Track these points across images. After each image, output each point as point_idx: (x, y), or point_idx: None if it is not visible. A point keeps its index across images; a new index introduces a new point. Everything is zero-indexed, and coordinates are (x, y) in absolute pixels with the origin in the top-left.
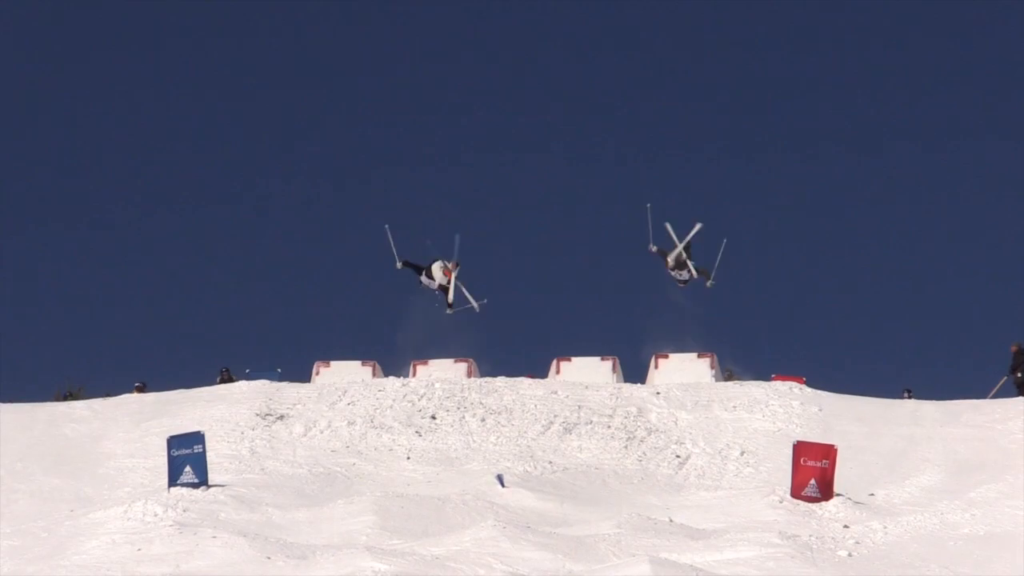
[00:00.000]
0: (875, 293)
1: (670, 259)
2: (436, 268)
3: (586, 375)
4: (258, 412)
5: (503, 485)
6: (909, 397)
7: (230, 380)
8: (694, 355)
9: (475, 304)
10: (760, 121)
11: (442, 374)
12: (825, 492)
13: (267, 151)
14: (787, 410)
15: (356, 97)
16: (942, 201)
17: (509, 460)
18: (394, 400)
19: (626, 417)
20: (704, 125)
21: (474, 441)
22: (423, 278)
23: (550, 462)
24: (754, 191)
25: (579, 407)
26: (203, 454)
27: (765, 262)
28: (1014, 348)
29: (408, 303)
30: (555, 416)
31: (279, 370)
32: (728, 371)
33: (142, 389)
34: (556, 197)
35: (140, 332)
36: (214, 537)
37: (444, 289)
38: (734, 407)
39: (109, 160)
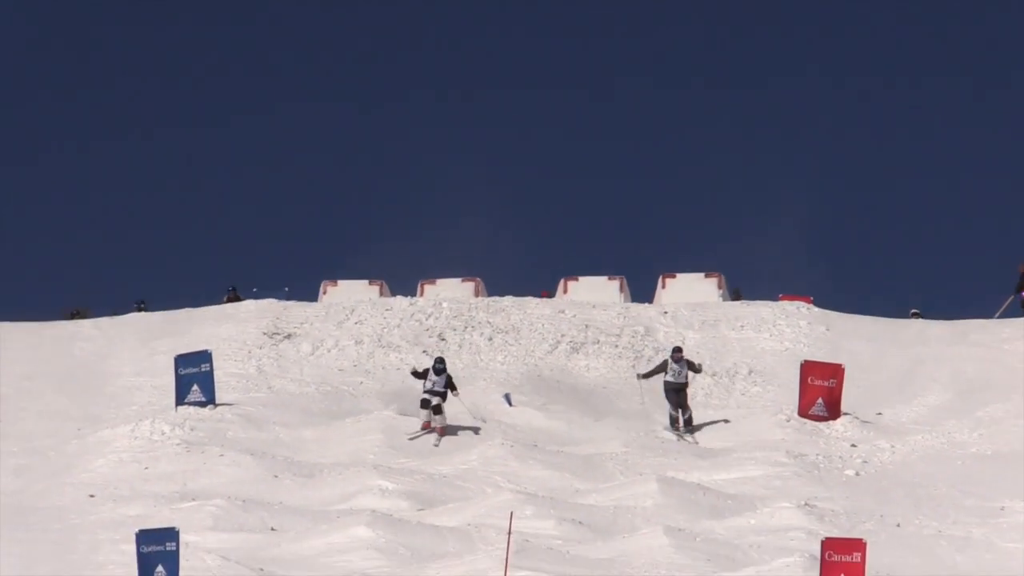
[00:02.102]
0: (884, 213)
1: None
2: (427, 405)
3: (593, 294)
4: (265, 331)
5: (510, 404)
6: (917, 318)
7: (237, 299)
8: (701, 275)
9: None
10: (768, 42)
11: (449, 293)
12: (832, 411)
13: (279, 70)
14: (794, 330)
15: (371, 19)
16: (951, 122)
17: (517, 379)
18: (401, 319)
19: (633, 336)
20: (705, 52)
21: (481, 360)
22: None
23: (558, 381)
24: (760, 113)
25: (586, 326)
26: (210, 373)
27: (773, 182)
28: (1021, 268)
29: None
30: (562, 335)
31: (286, 289)
32: (736, 291)
33: (142, 308)
34: (567, 118)
35: (147, 251)
36: (221, 455)
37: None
38: (741, 327)
39: (117, 77)
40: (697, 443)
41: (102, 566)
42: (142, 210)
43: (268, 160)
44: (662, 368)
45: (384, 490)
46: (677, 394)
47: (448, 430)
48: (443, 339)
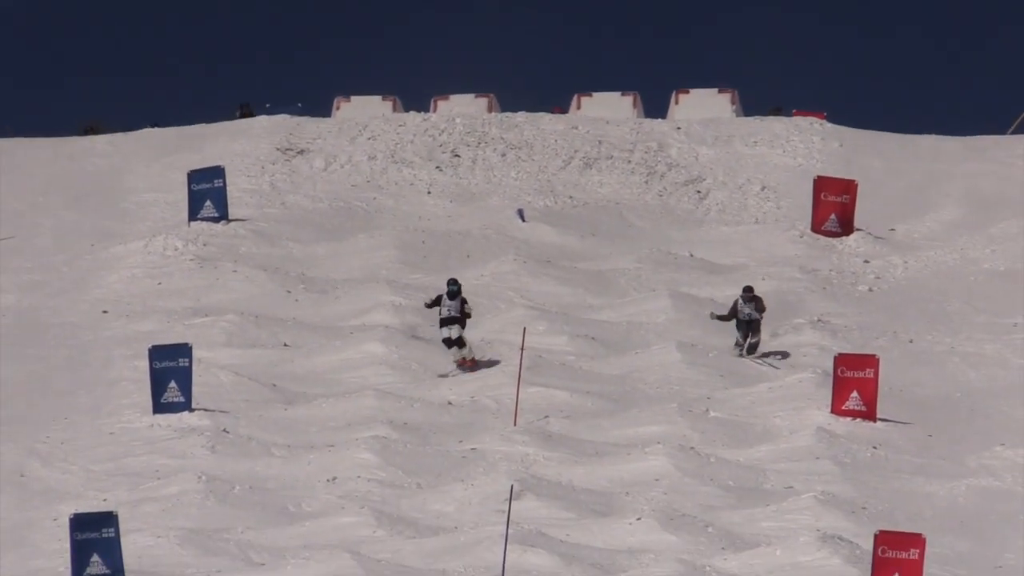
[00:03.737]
0: (896, 27)
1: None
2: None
3: (607, 110)
4: (278, 146)
5: (523, 220)
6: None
7: (249, 115)
8: (715, 91)
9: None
10: None
11: (462, 109)
12: (845, 227)
13: None
14: (808, 146)
15: None
16: None
17: (530, 195)
18: (415, 135)
19: (646, 152)
20: None
21: (494, 176)
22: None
23: (570, 197)
24: None
25: (599, 142)
26: (223, 188)
27: None
28: None
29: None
30: (575, 151)
31: (299, 104)
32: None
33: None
34: None
35: (159, 65)
36: (235, 271)
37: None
38: (755, 142)
39: None
40: (759, 365)
41: (115, 382)
42: (154, 22)
43: None
44: (734, 311)
45: (397, 306)
46: (748, 325)
47: (459, 244)
48: (456, 155)
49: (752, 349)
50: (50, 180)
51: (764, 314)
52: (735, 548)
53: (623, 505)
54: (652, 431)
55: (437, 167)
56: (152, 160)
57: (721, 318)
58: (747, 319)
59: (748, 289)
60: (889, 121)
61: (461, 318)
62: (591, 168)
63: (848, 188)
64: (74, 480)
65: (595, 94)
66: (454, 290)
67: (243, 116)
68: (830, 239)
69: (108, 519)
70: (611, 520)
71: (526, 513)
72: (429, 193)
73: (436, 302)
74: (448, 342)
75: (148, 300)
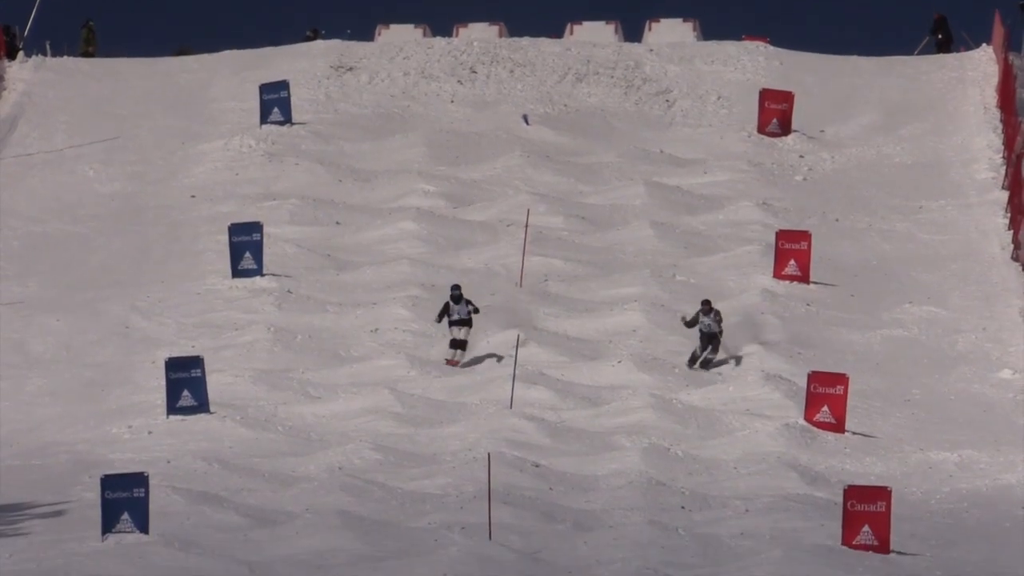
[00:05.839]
0: None
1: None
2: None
3: (594, 36)
4: (332, 65)
5: (528, 123)
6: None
7: (317, 37)
8: (680, 20)
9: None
10: None
11: (479, 35)
12: (784, 129)
13: None
14: (755, 64)
15: None
16: None
17: (532, 103)
18: (440, 56)
19: (626, 69)
20: None
21: (504, 88)
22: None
23: (565, 105)
24: None
25: (588, 61)
26: (288, 98)
27: None
28: (936, 16)
29: None
30: (569, 68)
31: (349, 31)
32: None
33: (314, 35)
34: None
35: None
36: (296, 164)
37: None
38: (712, 61)
39: None
40: (707, 370)
41: (201, 253)
42: None
43: None
44: (695, 321)
45: (426, 192)
46: (710, 339)
47: (476, 143)
48: (474, 71)
49: (706, 364)
50: (149, 92)
51: (722, 331)
52: (696, 385)
53: (607, 351)
54: (630, 292)
55: (458, 81)
56: (231, 75)
57: (686, 324)
58: (707, 331)
59: (706, 303)
60: (820, 44)
61: (470, 320)
62: (582, 82)
63: (787, 98)
64: (168, 331)
65: (584, 23)
66: (457, 294)
67: (313, 37)
68: (772, 139)
69: (196, 362)
70: (597, 363)
71: (530, 357)
72: (452, 102)
73: (444, 311)
74: (454, 343)
75: (227, 187)
